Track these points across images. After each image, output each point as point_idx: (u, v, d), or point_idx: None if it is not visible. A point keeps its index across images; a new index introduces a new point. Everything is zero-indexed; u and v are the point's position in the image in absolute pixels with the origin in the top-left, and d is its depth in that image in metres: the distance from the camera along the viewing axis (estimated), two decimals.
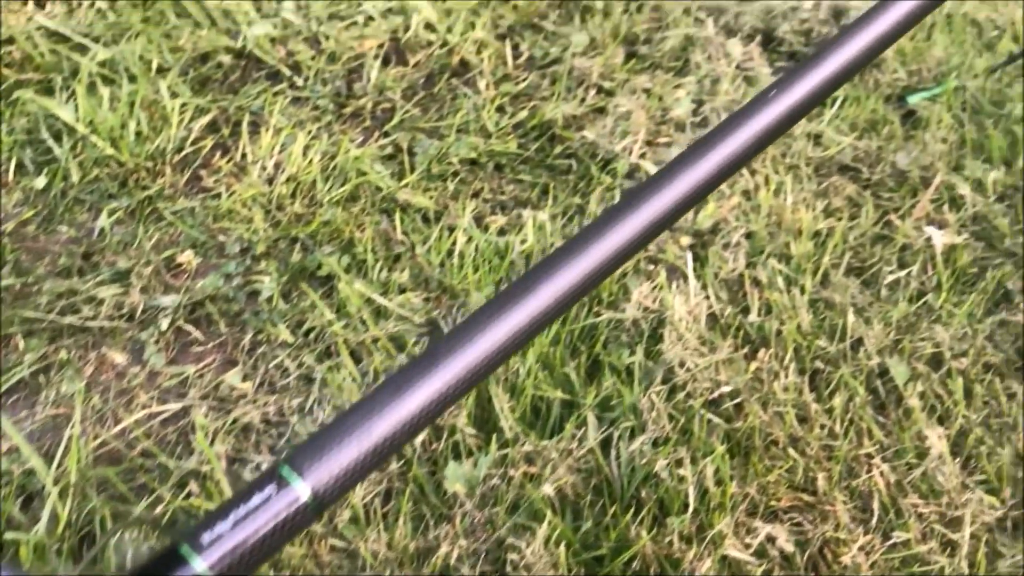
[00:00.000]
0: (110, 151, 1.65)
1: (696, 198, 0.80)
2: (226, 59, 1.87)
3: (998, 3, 2.04)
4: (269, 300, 1.47)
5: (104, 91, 1.74)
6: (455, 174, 1.69)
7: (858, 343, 1.40)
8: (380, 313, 1.42)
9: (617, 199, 1.62)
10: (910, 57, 1.88)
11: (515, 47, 1.94)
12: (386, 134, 1.76)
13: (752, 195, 1.62)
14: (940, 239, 1.50)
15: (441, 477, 1.21)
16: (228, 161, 1.68)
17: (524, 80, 1.87)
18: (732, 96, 1.79)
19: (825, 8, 1.93)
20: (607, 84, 1.82)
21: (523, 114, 1.79)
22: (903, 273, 1.50)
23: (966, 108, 1.78)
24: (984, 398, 1.33)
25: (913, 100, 1.80)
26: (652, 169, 1.65)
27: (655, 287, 1.44)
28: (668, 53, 1.88)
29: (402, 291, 1.46)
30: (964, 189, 1.61)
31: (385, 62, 1.90)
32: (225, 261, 1.53)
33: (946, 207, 1.60)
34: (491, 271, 1.48)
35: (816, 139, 1.72)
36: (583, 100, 1.80)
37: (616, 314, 1.40)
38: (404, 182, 1.65)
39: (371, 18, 1.99)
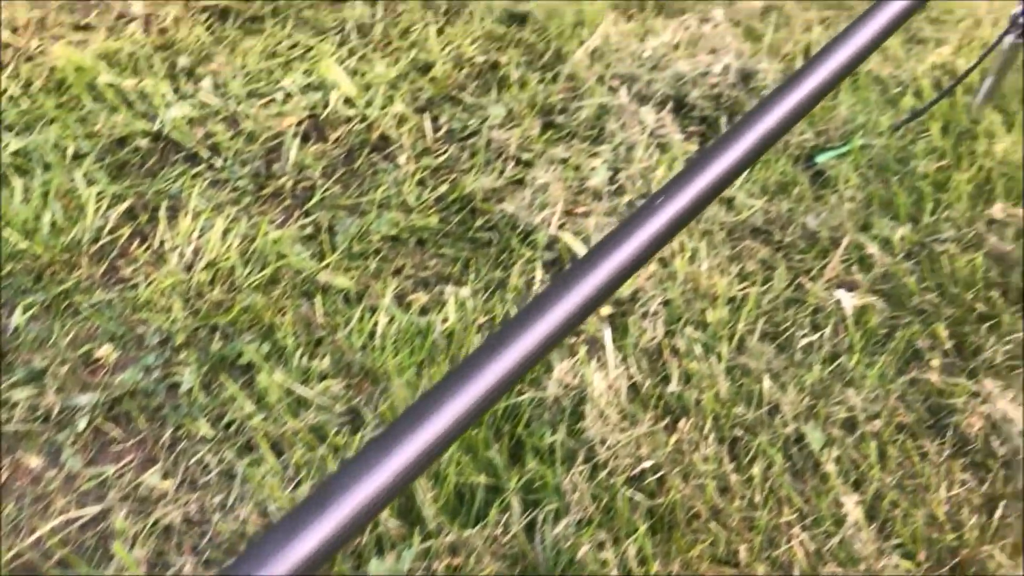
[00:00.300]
0: (24, 245, 1.63)
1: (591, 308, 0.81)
2: (143, 143, 1.87)
3: (900, 59, 2.12)
4: (189, 393, 1.45)
5: (17, 182, 1.72)
6: (376, 252, 1.69)
7: (775, 409, 1.43)
8: (301, 403, 1.42)
9: (537, 272, 1.64)
10: (817, 117, 1.94)
11: (435, 119, 1.96)
12: (307, 213, 1.77)
13: (668, 262, 1.65)
14: (849, 302, 1.54)
15: (365, 572, 1.20)
16: (146, 249, 1.67)
17: (444, 153, 1.89)
18: (647, 163, 1.83)
19: (734, 72, 1.98)
20: (525, 155, 1.85)
21: (444, 187, 1.81)
22: (816, 336, 1.53)
23: (872, 166, 1.84)
24: (898, 460, 1.37)
25: (821, 160, 1.86)
26: (571, 240, 1.68)
27: (576, 362, 1.46)
28: (584, 122, 1.92)
29: (323, 378, 1.45)
30: (872, 248, 1.66)
31: (305, 139, 1.91)
32: (144, 353, 1.51)
33: (856, 267, 1.65)
34: (412, 353, 1.49)
35: (729, 203, 1.77)
36: (502, 172, 1.82)
37: (538, 392, 1.41)
38: (325, 263, 1.66)
39: (290, 95, 2.00)
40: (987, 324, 1.56)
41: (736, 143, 0.91)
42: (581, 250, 1.66)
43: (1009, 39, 1.84)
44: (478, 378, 0.71)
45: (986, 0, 2.32)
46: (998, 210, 1.74)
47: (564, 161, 1.84)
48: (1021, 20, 1.81)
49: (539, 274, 1.65)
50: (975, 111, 1.96)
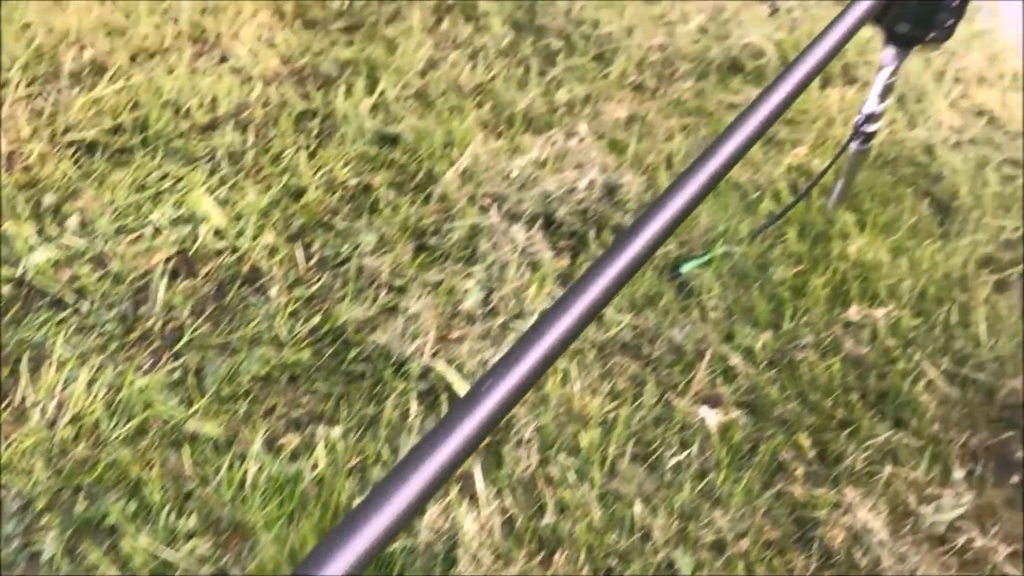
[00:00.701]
0: None
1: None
2: (6, 290, 1.82)
3: (758, 163, 2.21)
4: (51, 562, 1.41)
5: None
6: (247, 393, 1.67)
7: (646, 535, 1.45)
8: (167, 566, 1.38)
9: (412, 404, 1.64)
10: (680, 227, 2.00)
11: (307, 247, 1.97)
12: (176, 356, 1.74)
13: (541, 385, 1.67)
14: (713, 419, 1.58)
15: None
16: (6, 407, 1.62)
17: (317, 282, 1.89)
18: (519, 283, 1.86)
19: (599, 187, 2.04)
20: (398, 281, 1.87)
21: (317, 319, 1.81)
22: (684, 455, 1.57)
23: (733, 274, 1.90)
24: None
25: (686, 269, 1.92)
26: (444, 369, 1.69)
27: (448, 502, 1.46)
28: (456, 243, 1.95)
29: (190, 537, 1.42)
30: (736, 359, 1.72)
31: (174, 276, 1.89)
32: (2, 521, 1.46)
33: (720, 379, 1.70)
34: (282, 503, 1.47)
35: (599, 320, 1.80)
36: (375, 300, 1.83)
37: (410, 539, 1.40)
38: (193, 409, 1.63)
39: (159, 229, 1.98)
40: (847, 430, 1.62)
41: (606, 270, 0.94)
42: (454, 379, 1.68)
43: (854, 145, 1.94)
44: (349, 545, 0.71)
45: (837, 99, 2.45)
46: (854, 312, 1.82)
47: (437, 285, 1.86)
48: (862, 128, 1.92)
49: (414, 406, 1.65)
50: (829, 213, 2.05)
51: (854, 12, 1.28)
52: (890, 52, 1.82)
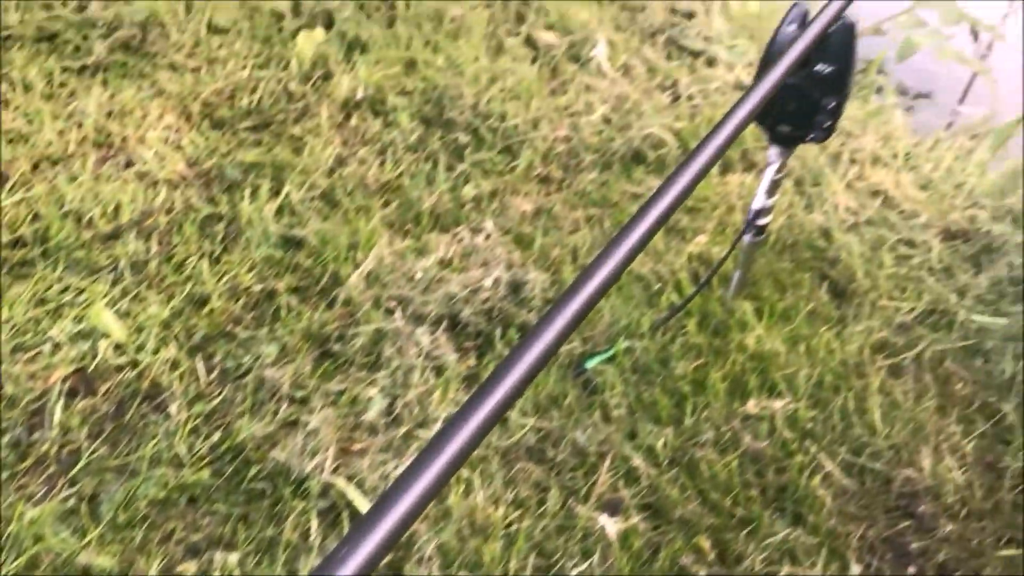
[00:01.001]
0: None
1: None
2: None
3: (660, 252, 2.25)
4: None
5: None
6: (144, 519, 1.64)
7: None
8: None
9: (313, 522, 1.63)
10: (583, 323, 2.03)
11: (209, 359, 1.95)
12: (72, 482, 1.70)
13: (444, 497, 1.67)
14: (612, 527, 1.59)
15: None
16: None
17: (218, 396, 1.87)
18: (423, 388, 1.87)
19: (504, 285, 2.06)
20: (299, 393, 1.86)
21: (217, 435, 1.79)
22: (586, 565, 1.57)
23: (636, 370, 1.93)
24: None
25: (591, 365, 1.94)
26: (344, 485, 1.67)
27: None
28: (360, 349, 1.94)
29: None
30: (638, 460, 1.73)
31: (72, 395, 1.86)
32: None
33: (623, 481, 1.71)
34: None
35: (503, 424, 1.81)
36: (275, 414, 1.82)
37: None
38: (87, 540, 1.59)
39: (58, 345, 1.94)
40: (746, 529, 1.64)
41: (508, 374, 0.93)
42: (355, 496, 1.66)
43: (747, 238, 1.99)
44: None
45: (736, 185, 2.51)
46: (752, 406, 1.85)
47: (340, 394, 1.86)
48: (754, 222, 1.97)
49: (314, 524, 1.63)
50: (729, 303, 2.09)
51: (742, 109, 1.32)
52: (775, 150, 1.88)
